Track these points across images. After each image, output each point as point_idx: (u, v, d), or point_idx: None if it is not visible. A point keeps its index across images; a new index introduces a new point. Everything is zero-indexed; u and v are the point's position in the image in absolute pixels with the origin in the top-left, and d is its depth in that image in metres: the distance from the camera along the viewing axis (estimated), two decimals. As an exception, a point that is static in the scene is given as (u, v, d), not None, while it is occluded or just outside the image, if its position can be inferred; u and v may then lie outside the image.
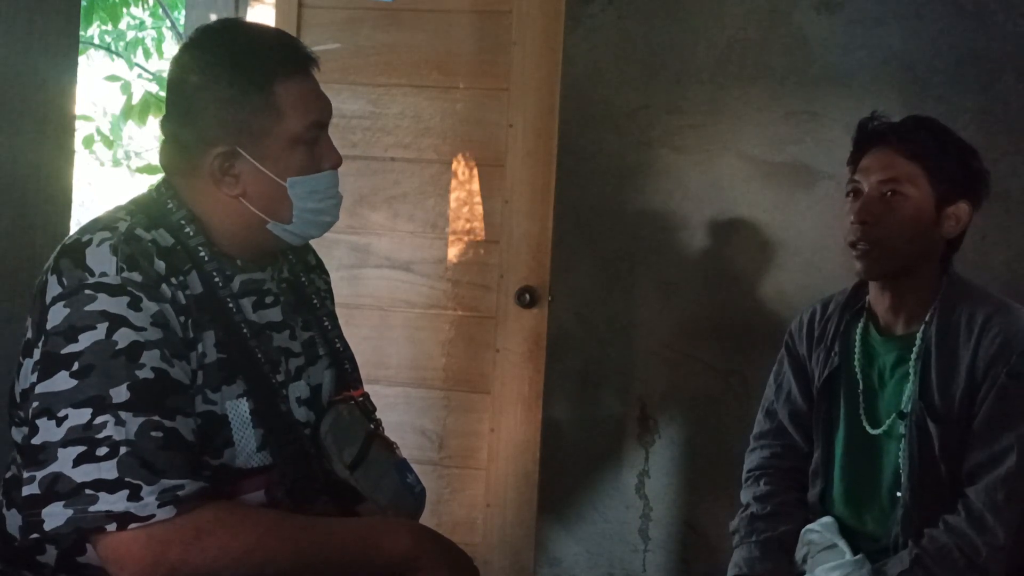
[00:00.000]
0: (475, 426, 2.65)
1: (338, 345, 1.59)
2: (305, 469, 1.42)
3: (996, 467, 1.71)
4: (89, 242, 1.32)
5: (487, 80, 2.64)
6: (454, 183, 2.67)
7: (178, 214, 1.40)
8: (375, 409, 1.59)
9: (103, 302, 1.27)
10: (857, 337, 1.90)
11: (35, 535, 1.23)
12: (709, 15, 2.85)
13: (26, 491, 1.22)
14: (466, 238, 2.67)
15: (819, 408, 1.94)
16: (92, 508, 1.20)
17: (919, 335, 1.80)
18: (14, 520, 1.39)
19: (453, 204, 2.67)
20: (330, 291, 1.70)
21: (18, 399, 1.35)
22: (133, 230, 1.34)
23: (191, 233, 1.39)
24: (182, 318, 1.33)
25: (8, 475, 1.43)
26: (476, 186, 2.66)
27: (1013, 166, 2.68)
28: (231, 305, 1.39)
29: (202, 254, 1.38)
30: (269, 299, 1.47)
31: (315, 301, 1.59)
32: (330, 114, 1.46)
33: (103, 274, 1.29)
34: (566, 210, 2.79)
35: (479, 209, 2.65)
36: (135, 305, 1.28)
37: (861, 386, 1.88)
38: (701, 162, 2.87)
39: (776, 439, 2.03)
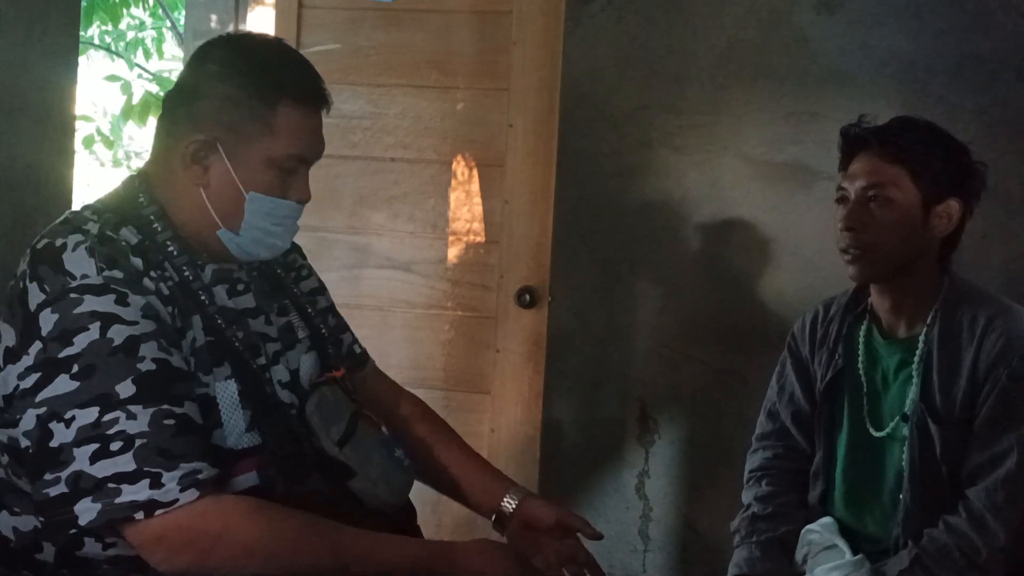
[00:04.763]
0: (475, 426, 2.65)
1: (322, 330, 1.60)
2: (294, 447, 1.43)
3: (996, 468, 1.71)
4: (63, 247, 1.32)
5: (487, 80, 2.64)
6: (454, 183, 2.67)
7: (148, 209, 1.42)
8: (355, 389, 1.62)
9: (90, 303, 1.28)
10: (860, 340, 1.90)
11: (73, 531, 1.26)
12: (709, 15, 2.85)
13: (54, 491, 1.25)
14: (466, 238, 2.67)
15: (822, 410, 1.94)
16: (118, 500, 1.24)
17: (921, 338, 1.81)
18: (7, 522, 1.39)
19: (453, 204, 2.67)
20: (308, 265, 1.71)
21: (1, 403, 1.35)
22: (104, 231, 1.36)
23: (159, 229, 1.40)
24: (170, 308, 1.35)
25: None
26: (476, 186, 2.66)
27: (1013, 166, 2.68)
28: (203, 297, 1.40)
29: (171, 249, 1.40)
30: (241, 287, 1.49)
31: (295, 289, 1.61)
32: (318, 155, 1.47)
33: (84, 276, 1.30)
34: (566, 210, 2.79)
35: (479, 209, 2.65)
36: (122, 301, 1.29)
37: (865, 388, 1.88)
38: (701, 162, 2.87)
39: (779, 440, 2.03)
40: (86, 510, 1.24)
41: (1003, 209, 2.67)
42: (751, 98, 2.83)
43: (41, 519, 1.32)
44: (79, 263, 1.31)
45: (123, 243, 1.35)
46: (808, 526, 1.91)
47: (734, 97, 2.84)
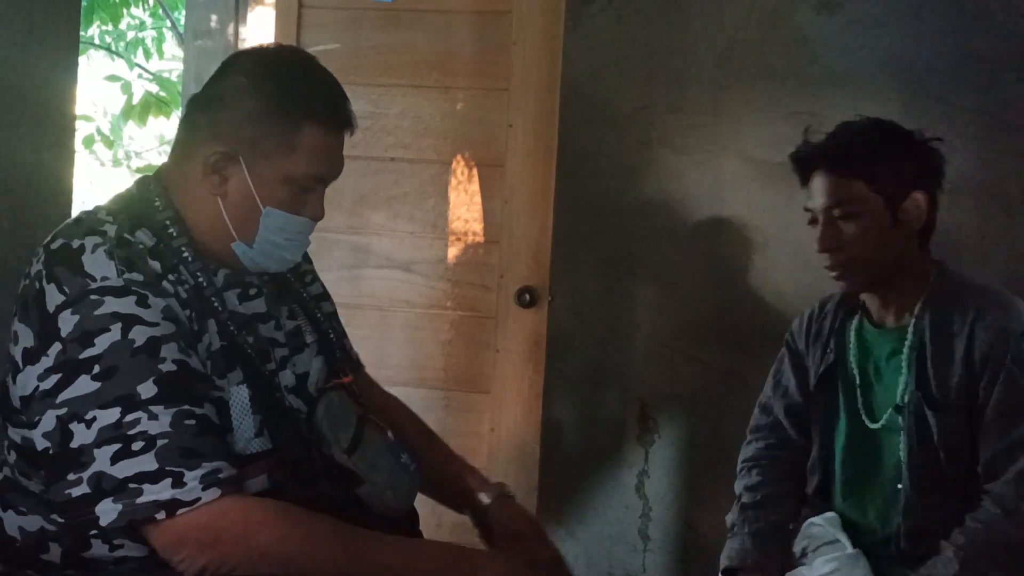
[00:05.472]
0: (475, 426, 2.65)
1: (331, 335, 1.61)
2: (303, 452, 1.43)
3: (1017, 458, 1.70)
4: (81, 248, 1.32)
5: (487, 80, 2.64)
6: (454, 183, 2.67)
7: (163, 214, 1.42)
8: (362, 394, 1.63)
9: (111, 304, 1.28)
10: (852, 332, 1.92)
11: (94, 532, 1.28)
12: (709, 15, 2.85)
13: (76, 492, 1.26)
14: (466, 238, 2.67)
15: (817, 403, 1.96)
16: (139, 500, 1.24)
17: (911, 327, 1.81)
18: (12, 521, 1.39)
19: (453, 204, 2.67)
20: (313, 271, 1.72)
21: (17, 404, 1.36)
22: (121, 234, 1.36)
23: (174, 234, 1.41)
24: (187, 311, 1.35)
25: (1, 476, 1.44)
26: (476, 186, 2.66)
27: (1013, 166, 2.68)
28: (216, 304, 1.40)
29: (185, 254, 1.40)
30: (253, 291, 1.50)
31: (303, 293, 1.62)
32: (336, 176, 1.48)
33: (105, 278, 1.30)
34: (566, 210, 2.78)
35: (479, 209, 2.65)
36: (143, 303, 1.30)
37: (858, 380, 1.89)
38: (701, 162, 2.87)
39: (771, 432, 2.05)
40: (107, 511, 1.24)
41: (1003, 209, 2.67)
42: (751, 98, 2.83)
43: (62, 519, 1.32)
44: (99, 265, 1.31)
45: (140, 246, 1.36)
46: (811, 519, 1.92)
47: (734, 97, 2.84)
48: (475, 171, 2.66)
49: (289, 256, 1.48)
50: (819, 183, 1.82)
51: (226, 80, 1.44)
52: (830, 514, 1.91)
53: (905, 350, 1.81)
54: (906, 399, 1.80)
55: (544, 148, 2.60)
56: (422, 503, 1.68)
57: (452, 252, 2.68)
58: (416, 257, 2.68)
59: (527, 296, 2.60)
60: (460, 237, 2.67)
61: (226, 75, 1.45)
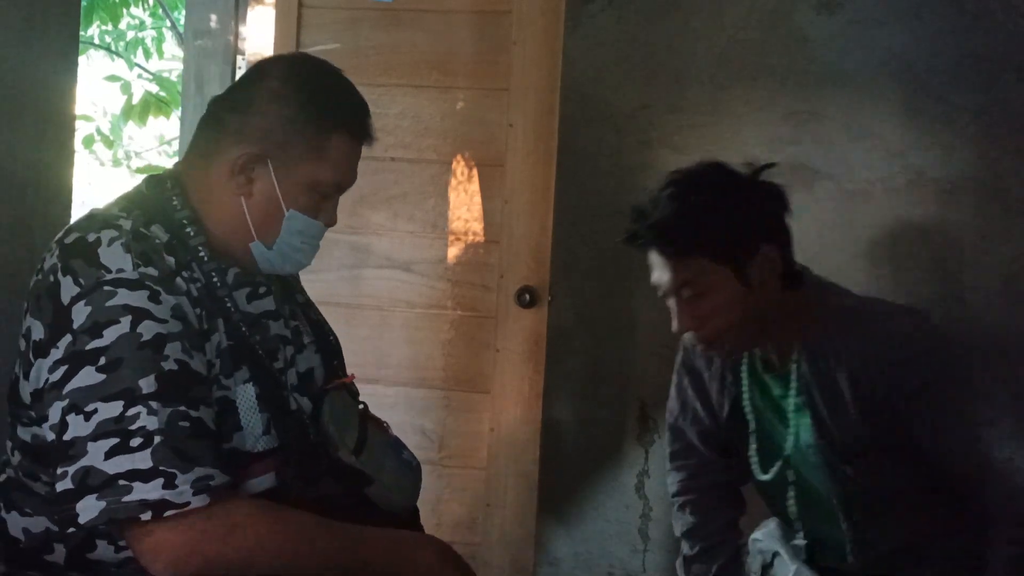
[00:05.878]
0: (475, 426, 2.65)
1: (331, 338, 1.63)
2: (308, 450, 1.44)
3: (988, 470, 1.66)
4: (98, 241, 1.33)
5: (487, 80, 2.64)
6: (454, 183, 2.67)
7: (181, 213, 1.42)
8: (359, 392, 1.64)
9: (124, 296, 1.28)
10: (744, 372, 1.81)
11: (72, 529, 1.25)
12: (709, 15, 2.85)
13: (59, 487, 1.24)
14: (466, 238, 2.67)
15: (738, 449, 1.85)
16: (126, 498, 1.22)
17: (794, 375, 1.71)
18: (16, 522, 1.39)
19: (453, 204, 2.67)
20: (300, 282, 1.74)
21: (27, 399, 1.35)
22: (137, 228, 1.36)
23: (192, 233, 1.41)
24: (198, 310, 1.36)
25: (3, 478, 1.44)
26: (476, 186, 2.66)
27: (1013, 166, 2.68)
28: (228, 304, 1.41)
29: (201, 253, 1.41)
30: (262, 289, 1.51)
31: (299, 298, 1.64)
32: (351, 185, 1.52)
33: (120, 270, 1.30)
34: (566, 210, 2.78)
35: (479, 209, 2.65)
36: (155, 298, 1.30)
37: (753, 426, 1.79)
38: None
39: (688, 458, 1.98)
40: (88, 508, 1.22)
41: (1003, 209, 2.67)
42: (751, 98, 2.83)
43: (56, 516, 1.32)
44: (115, 257, 1.31)
45: (156, 240, 1.37)
46: (753, 535, 1.88)
47: (734, 97, 2.84)
48: (475, 171, 2.66)
49: (304, 259, 1.50)
50: (658, 263, 1.69)
51: (258, 85, 1.45)
52: (770, 526, 1.86)
53: (791, 398, 1.71)
54: (806, 445, 1.71)
55: (544, 148, 2.60)
56: (422, 502, 1.68)
57: (452, 252, 2.68)
58: (416, 257, 2.68)
59: (527, 296, 2.60)
60: (460, 237, 2.67)
61: (258, 80, 1.46)
